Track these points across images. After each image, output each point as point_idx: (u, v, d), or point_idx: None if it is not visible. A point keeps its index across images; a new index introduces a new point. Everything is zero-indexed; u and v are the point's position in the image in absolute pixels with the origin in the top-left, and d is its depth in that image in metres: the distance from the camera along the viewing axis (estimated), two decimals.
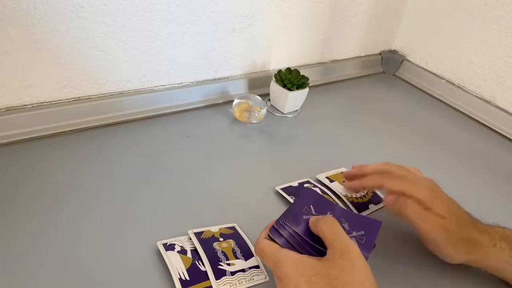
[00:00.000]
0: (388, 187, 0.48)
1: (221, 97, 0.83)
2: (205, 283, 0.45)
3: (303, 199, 0.46)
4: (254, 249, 0.43)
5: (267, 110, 0.81)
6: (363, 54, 1.07)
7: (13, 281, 0.44)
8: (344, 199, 0.61)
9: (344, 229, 0.41)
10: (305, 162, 0.70)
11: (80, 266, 0.47)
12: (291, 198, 0.59)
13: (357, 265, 0.36)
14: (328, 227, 0.40)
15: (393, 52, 1.11)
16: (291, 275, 0.37)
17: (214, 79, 0.82)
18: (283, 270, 0.38)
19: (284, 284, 0.38)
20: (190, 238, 0.50)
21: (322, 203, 0.45)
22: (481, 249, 0.45)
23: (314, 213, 0.44)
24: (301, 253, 0.41)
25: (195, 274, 0.46)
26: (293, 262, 0.38)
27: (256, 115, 0.77)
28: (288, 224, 0.43)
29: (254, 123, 0.79)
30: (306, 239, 0.42)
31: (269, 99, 0.86)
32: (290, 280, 0.37)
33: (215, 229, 0.53)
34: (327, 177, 0.66)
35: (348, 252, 0.37)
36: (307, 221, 0.43)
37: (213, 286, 0.45)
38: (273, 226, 0.44)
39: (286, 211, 0.45)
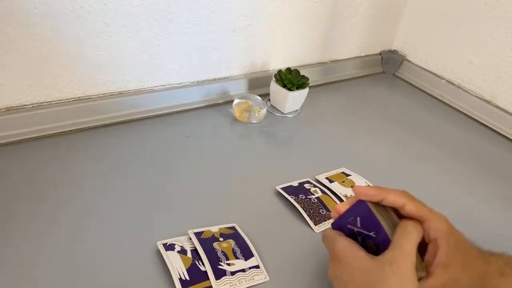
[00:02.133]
0: (409, 210, 0.42)
1: (221, 97, 0.83)
2: (205, 283, 0.45)
3: (354, 210, 0.44)
4: (322, 236, 0.46)
5: (267, 110, 0.81)
6: (363, 54, 1.07)
7: (14, 280, 0.44)
8: (344, 199, 0.61)
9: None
10: (305, 162, 0.70)
11: (80, 266, 0.47)
12: (291, 197, 0.59)
13: (405, 283, 0.36)
14: (406, 229, 0.39)
15: (393, 52, 1.11)
16: (342, 257, 0.40)
17: (214, 79, 0.82)
18: (336, 250, 0.41)
19: (334, 265, 0.41)
20: (190, 238, 0.50)
21: (370, 220, 0.42)
22: (489, 281, 0.43)
23: (359, 226, 0.42)
24: None
25: (195, 274, 0.46)
26: (347, 246, 0.41)
27: (256, 115, 0.77)
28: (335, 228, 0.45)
29: (254, 123, 0.79)
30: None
31: (269, 99, 0.86)
32: (340, 262, 0.40)
33: (215, 229, 0.53)
34: (326, 178, 0.66)
35: (399, 264, 0.36)
36: (351, 230, 0.43)
37: (213, 286, 0.45)
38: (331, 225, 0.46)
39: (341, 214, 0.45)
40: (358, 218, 0.42)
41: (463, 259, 0.41)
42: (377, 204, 0.42)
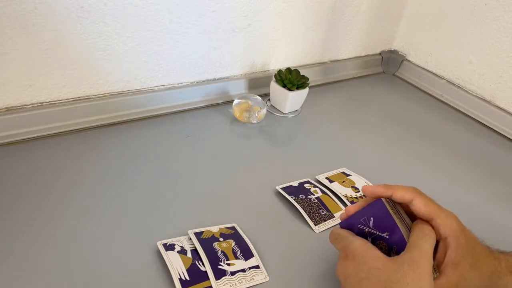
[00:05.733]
0: (418, 204, 0.41)
1: (221, 97, 0.83)
2: (205, 283, 0.45)
3: (367, 210, 0.43)
4: (330, 235, 0.46)
5: (267, 110, 0.81)
6: (363, 54, 1.07)
7: (15, 279, 0.44)
8: (344, 199, 0.61)
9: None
10: (305, 162, 0.70)
11: (80, 266, 0.47)
12: (291, 197, 0.59)
13: (421, 282, 0.36)
14: (424, 231, 0.39)
15: (393, 52, 1.11)
16: (358, 256, 0.39)
17: (214, 79, 0.82)
18: (352, 248, 0.40)
19: (345, 263, 0.40)
20: (190, 238, 0.50)
21: (385, 221, 0.41)
22: (499, 279, 0.43)
23: (371, 226, 0.42)
24: None
25: (195, 274, 0.46)
26: (364, 246, 0.40)
27: (256, 115, 0.77)
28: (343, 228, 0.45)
29: (254, 123, 0.79)
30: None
31: (269, 99, 0.86)
32: (355, 261, 0.39)
33: (215, 229, 0.53)
34: (326, 178, 0.66)
35: (418, 264, 0.37)
36: (361, 230, 0.43)
37: (213, 286, 0.45)
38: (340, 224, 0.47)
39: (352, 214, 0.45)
40: (371, 218, 0.42)
41: (473, 257, 0.41)
42: (392, 205, 0.42)
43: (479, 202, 0.66)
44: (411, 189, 0.42)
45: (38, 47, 0.60)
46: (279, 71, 0.80)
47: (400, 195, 0.41)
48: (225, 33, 0.77)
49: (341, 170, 0.69)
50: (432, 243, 0.39)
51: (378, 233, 0.42)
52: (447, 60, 0.98)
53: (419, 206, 0.41)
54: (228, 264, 0.47)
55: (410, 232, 0.41)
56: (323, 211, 0.58)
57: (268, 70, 0.89)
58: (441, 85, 0.99)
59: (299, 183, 0.63)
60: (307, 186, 0.63)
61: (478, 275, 0.40)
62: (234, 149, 0.71)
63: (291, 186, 0.62)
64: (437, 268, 0.40)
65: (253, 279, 0.47)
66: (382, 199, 0.42)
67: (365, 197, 0.45)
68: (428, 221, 0.41)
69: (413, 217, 0.43)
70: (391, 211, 0.41)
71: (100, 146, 0.66)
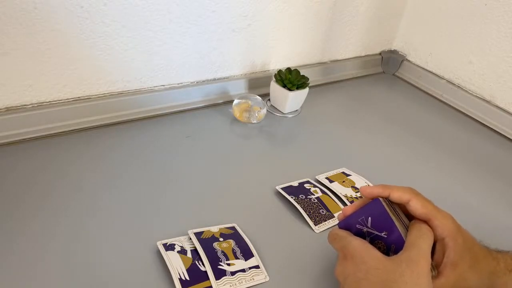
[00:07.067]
0: (415, 205, 0.41)
1: (221, 97, 0.83)
2: (205, 283, 0.45)
3: (366, 209, 0.43)
4: (328, 235, 0.46)
5: (267, 110, 0.81)
6: (363, 54, 1.07)
7: (14, 280, 0.44)
8: (344, 199, 0.61)
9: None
10: (305, 162, 0.70)
11: (80, 266, 0.47)
12: (291, 197, 0.59)
13: (419, 281, 0.36)
14: (422, 231, 0.40)
15: (393, 52, 1.11)
16: (356, 257, 0.39)
17: (214, 79, 0.82)
18: (351, 248, 0.40)
19: (344, 263, 0.40)
20: (190, 238, 0.50)
21: (383, 220, 0.41)
22: (498, 278, 0.43)
23: (369, 226, 0.42)
24: None
25: (195, 274, 0.46)
26: (362, 246, 0.40)
27: (256, 115, 0.77)
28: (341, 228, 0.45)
29: (254, 123, 0.79)
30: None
31: (269, 99, 0.86)
32: (353, 261, 0.39)
33: (215, 229, 0.53)
34: (326, 178, 0.66)
35: (416, 263, 0.37)
36: (359, 230, 0.43)
37: (213, 286, 0.45)
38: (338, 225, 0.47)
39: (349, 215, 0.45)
40: (369, 218, 0.42)
41: (472, 257, 0.41)
42: (390, 205, 0.43)
43: (479, 202, 0.66)
44: (408, 190, 0.42)
45: (38, 47, 0.60)
46: (279, 71, 0.80)
47: (397, 196, 0.42)
48: (225, 33, 0.77)
49: (341, 170, 0.69)
50: (430, 242, 0.39)
51: (376, 232, 0.42)
52: (447, 60, 0.98)
53: (416, 207, 0.41)
54: (228, 264, 0.47)
55: (408, 231, 0.41)
56: (323, 211, 0.58)
57: (268, 70, 0.89)
58: (441, 85, 0.99)
59: (299, 183, 0.63)
60: (307, 186, 0.63)
61: (477, 275, 0.41)
62: (234, 149, 0.71)
63: (291, 186, 0.62)
64: (436, 267, 0.40)
65: (253, 279, 0.47)
66: (380, 198, 0.42)
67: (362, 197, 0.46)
68: (425, 222, 0.41)
69: (411, 217, 0.43)
70: (389, 211, 0.41)
71: (100, 146, 0.66)
